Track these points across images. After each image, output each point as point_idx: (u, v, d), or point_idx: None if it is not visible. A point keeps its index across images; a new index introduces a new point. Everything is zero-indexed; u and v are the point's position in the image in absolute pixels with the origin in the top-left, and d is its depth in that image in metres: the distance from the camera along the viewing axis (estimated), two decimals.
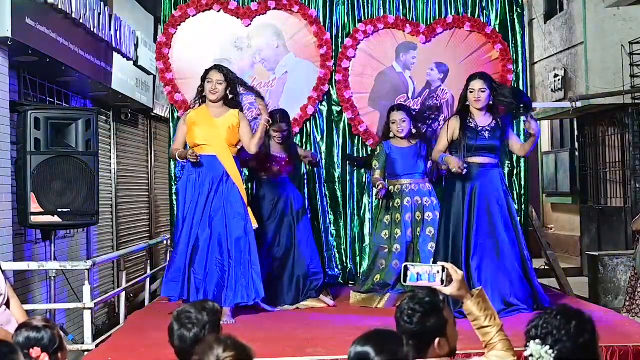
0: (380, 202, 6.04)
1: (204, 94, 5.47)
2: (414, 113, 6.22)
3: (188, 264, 5.27)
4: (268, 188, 6.04)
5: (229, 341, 2.12)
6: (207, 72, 5.47)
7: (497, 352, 2.60)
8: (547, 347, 2.09)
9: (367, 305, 5.81)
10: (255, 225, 5.47)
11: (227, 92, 5.44)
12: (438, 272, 2.61)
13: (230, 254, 5.26)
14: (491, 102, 5.51)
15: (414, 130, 6.01)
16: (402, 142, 5.99)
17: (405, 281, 2.64)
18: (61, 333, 2.73)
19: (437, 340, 2.45)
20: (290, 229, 5.99)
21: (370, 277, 5.93)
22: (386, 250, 5.89)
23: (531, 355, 2.11)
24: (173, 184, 6.93)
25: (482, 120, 5.49)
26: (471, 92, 5.48)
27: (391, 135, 6.01)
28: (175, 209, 5.63)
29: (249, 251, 5.30)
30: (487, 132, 5.44)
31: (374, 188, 6.12)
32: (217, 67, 5.52)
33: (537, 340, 2.11)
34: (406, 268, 2.64)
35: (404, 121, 5.93)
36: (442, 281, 2.60)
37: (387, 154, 5.96)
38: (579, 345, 2.11)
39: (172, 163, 6.91)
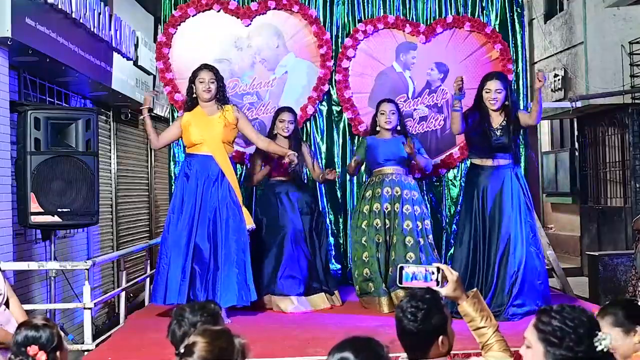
0: (362, 192, 5.98)
1: (194, 96, 5.49)
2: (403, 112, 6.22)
3: (187, 265, 5.23)
4: (270, 188, 6.05)
5: (205, 331, 2.15)
6: (196, 73, 5.49)
7: (494, 353, 2.59)
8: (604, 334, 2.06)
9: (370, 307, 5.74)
10: (251, 225, 5.49)
11: (218, 90, 5.48)
12: (433, 272, 2.61)
13: (225, 254, 5.24)
14: (507, 102, 5.50)
15: (398, 127, 5.94)
16: (385, 135, 5.92)
17: (400, 282, 2.63)
18: (61, 333, 2.73)
19: (440, 338, 2.44)
20: (296, 226, 5.91)
21: (361, 274, 5.80)
22: (365, 241, 5.76)
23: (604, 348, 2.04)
24: (173, 184, 6.94)
25: (494, 120, 5.50)
26: (487, 92, 5.47)
27: (377, 128, 5.95)
28: (169, 206, 5.56)
29: (244, 252, 5.30)
30: (498, 131, 5.45)
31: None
32: (206, 67, 5.54)
33: (601, 333, 2.06)
34: (401, 268, 2.64)
35: (393, 113, 5.88)
36: (438, 282, 2.60)
37: (367, 145, 5.93)
38: None
39: (171, 163, 6.92)
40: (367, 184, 6.01)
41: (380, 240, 5.73)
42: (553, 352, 2.04)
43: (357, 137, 6.99)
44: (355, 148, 6.24)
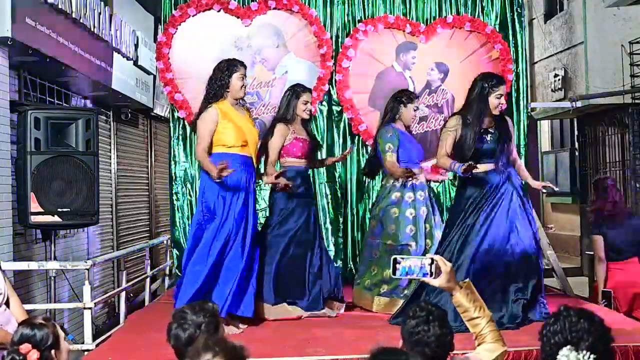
0: (387, 193, 5.57)
1: (227, 90, 4.96)
2: None
3: (215, 272, 4.88)
4: (291, 179, 5.38)
5: (217, 347, 2.03)
6: (234, 67, 4.97)
7: (486, 345, 2.61)
8: (585, 352, 1.99)
9: (389, 312, 5.40)
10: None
11: None
12: (427, 264, 2.61)
13: (249, 262, 4.98)
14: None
15: None
16: (406, 130, 5.69)
17: (394, 274, 2.63)
18: (61, 333, 2.70)
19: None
20: (313, 223, 5.51)
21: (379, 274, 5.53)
22: (412, 248, 5.43)
23: None
24: (173, 184, 6.94)
25: (485, 122, 5.18)
26: (498, 97, 5.10)
27: (397, 118, 5.62)
28: (196, 208, 5.13)
29: (257, 259, 5.08)
30: (489, 135, 5.13)
31: (406, 179, 5.46)
32: (243, 63, 5.08)
33: (569, 347, 2.00)
34: (395, 261, 2.63)
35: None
36: (432, 273, 2.60)
37: (399, 137, 5.56)
38: (608, 349, 2.04)
39: (172, 163, 6.91)
40: (391, 184, 5.60)
41: (430, 246, 5.44)
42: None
43: (357, 136, 6.99)
44: (387, 140, 5.53)
